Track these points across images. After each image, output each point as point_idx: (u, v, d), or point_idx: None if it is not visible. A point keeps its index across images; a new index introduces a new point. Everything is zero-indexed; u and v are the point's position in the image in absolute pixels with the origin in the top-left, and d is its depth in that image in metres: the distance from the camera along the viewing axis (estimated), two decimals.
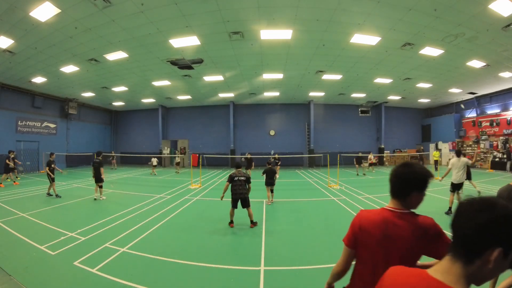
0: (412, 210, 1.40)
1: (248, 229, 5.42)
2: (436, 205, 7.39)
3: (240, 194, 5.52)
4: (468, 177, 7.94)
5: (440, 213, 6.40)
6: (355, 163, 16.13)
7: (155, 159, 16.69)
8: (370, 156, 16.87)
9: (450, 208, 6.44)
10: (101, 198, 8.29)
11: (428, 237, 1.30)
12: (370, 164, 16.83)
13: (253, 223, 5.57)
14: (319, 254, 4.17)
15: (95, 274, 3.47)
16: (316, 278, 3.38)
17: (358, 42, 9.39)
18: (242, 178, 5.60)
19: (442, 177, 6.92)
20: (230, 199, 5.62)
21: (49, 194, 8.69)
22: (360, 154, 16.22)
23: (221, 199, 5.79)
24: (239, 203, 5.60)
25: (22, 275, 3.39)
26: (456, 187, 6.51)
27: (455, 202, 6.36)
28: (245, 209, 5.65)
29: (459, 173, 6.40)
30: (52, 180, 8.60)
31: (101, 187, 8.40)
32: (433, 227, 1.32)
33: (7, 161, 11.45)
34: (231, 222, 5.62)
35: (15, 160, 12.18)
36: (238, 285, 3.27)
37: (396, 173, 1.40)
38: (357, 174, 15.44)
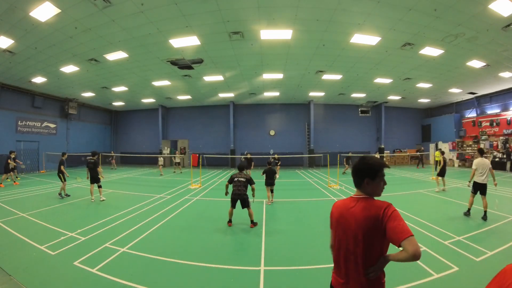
0: (376, 198, 1.58)
1: (248, 229, 5.42)
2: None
3: (238, 195, 5.55)
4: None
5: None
6: (344, 162, 16.51)
7: (161, 158, 16.50)
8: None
9: (469, 209, 6.15)
10: (101, 199, 8.20)
11: (378, 218, 1.43)
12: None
13: (253, 223, 5.57)
14: (319, 254, 4.16)
15: (95, 274, 3.47)
16: (316, 278, 3.38)
17: (358, 42, 9.38)
18: (242, 179, 5.63)
19: (470, 181, 6.15)
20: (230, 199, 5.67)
21: (67, 195, 8.68)
22: (350, 154, 16.51)
23: (226, 195, 5.84)
24: (238, 204, 5.64)
25: (22, 275, 3.39)
26: (479, 188, 5.98)
27: (480, 208, 6.00)
28: (246, 209, 5.67)
29: (484, 174, 5.92)
30: (64, 179, 8.62)
31: (100, 187, 8.31)
32: (384, 209, 1.45)
33: (8, 161, 11.52)
34: (230, 221, 5.64)
35: (16, 160, 12.27)
36: (238, 285, 3.27)
37: (354, 166, 1.65)
38: (344, 172, 15.58)
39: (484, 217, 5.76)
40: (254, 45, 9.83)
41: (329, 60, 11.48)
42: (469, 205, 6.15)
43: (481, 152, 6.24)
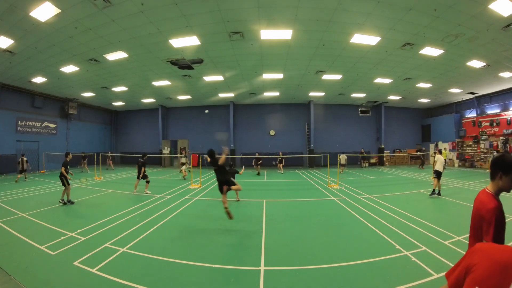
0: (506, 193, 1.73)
1: (248, 229, 5.42)
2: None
3: None
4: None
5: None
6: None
7: (185, 158, 14.98)
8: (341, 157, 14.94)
9: (433, 190, 8.66)
10: (145, 192, 9.26)
11: (479, 216, 1.66)
12: (342, 165, 14.84)
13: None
14: (319, 254, 4.16)
15: (95, 274, 3.47)
16: (316, 278, 3.38)
17: (358, 42, 9.39)
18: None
19: (433, 169, 9.06)
20: None
21: (63, 200, 7.61)
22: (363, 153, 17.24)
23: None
24: (237, 205, 5.68)
25: (22, 275, 3.39)
26: (440, 175, 8.78)
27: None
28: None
29: (442, 165, 8.82)
30: (67, 183, 7.63)
31: (148, 182, 9.62)
32: (484, 209, 1.63)
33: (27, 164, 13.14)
34: None
35: (27, 163, 13.26)
36: (238, 285, 3.27)
37: (492, 159, 1.75)
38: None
39: (438, 194, 8.41)
40: (254, 45, 9.83)
41: (329, 60, 11.48)
42: (434, 187, 8.69)
43: (440, 152, 10.31)
